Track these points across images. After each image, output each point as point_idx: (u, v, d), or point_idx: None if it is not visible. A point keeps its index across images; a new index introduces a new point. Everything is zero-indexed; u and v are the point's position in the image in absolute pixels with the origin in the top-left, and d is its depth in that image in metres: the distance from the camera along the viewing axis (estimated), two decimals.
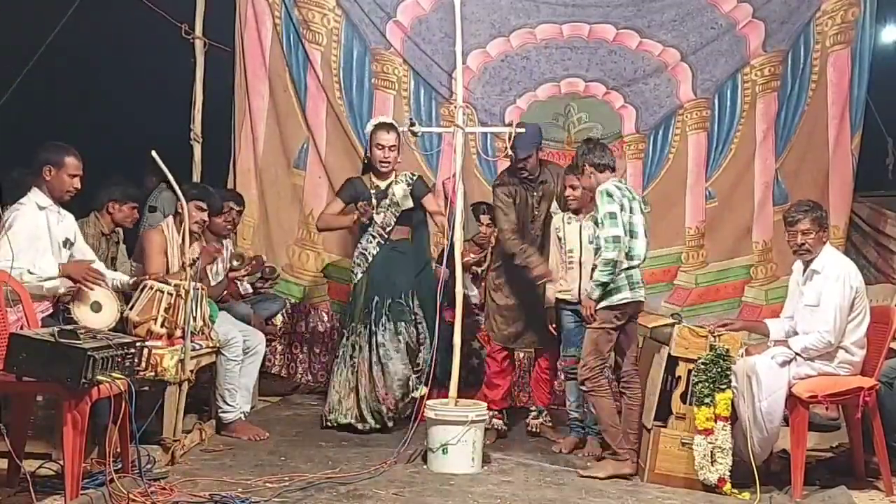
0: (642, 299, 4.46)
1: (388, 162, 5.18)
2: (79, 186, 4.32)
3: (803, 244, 4.23)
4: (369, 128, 5.27)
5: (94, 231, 4.96)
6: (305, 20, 6.13)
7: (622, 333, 4.44)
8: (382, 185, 5.21)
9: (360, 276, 5.20)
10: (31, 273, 4.03)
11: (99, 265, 4.56)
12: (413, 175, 5.32)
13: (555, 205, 5.13)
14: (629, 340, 4.49)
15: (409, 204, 5.19)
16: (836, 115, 6.05)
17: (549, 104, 6.24)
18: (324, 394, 6.04)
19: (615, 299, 4.31)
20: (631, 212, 4.37)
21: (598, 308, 4.34)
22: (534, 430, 5.19)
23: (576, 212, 4.90)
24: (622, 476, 4.23)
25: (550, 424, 5.24)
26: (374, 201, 5.15)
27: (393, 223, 5.20)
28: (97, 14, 5.97)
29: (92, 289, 4.18)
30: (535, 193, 5.11)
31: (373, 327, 5.10)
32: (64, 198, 4.28)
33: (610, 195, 4.32)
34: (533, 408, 5.31)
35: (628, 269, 4.35)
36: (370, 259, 5.20)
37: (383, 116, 5.64)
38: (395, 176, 5.24)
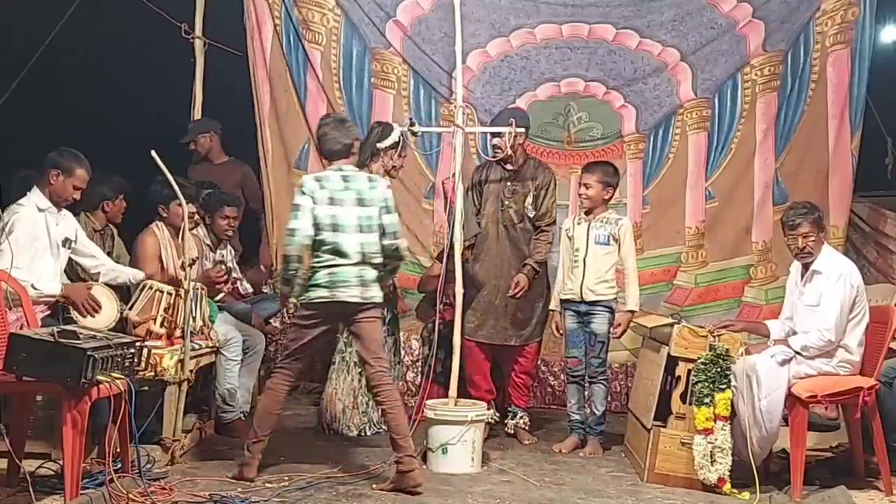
0: (350, 300, 4.00)
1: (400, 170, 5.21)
2: (78, 198, 4.33)
3: (804, 247, 4.23)
4: (400, 132, 5.01)
5: (87, 230, 4.96)
6: (305, 20, 6.13)
7: (354, 337, 4.18)
8: None
9: None
10: (34, 288, 4.04)
11: (106, 261, 4.57)
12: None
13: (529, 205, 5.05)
14: (363, 343, 4.09)
15: None
16: (835, 115, 6.04)
17: (549, 104, 6.24)
18: (322, 394, 6.06)
19: (309, 296, 4.03)
20: (332, 204, 4.02)
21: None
22: (509, 431, 5.10)
23: (587, 212, 4.89)
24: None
25: (525, 427, 5.10)
26: None
27: None
28: (97, 14, 5.96)
29: (85, 317, 4.16)
30: (507, 186, 5.04)
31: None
32: (61, 204, 4.30)
33: (301, 186, 4.07)
34: (510, 408, 5.16)
35: (332, 266, 4.01)
36: None
37: (398, 123, 5.26)
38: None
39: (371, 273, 4.08)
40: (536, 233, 5.07)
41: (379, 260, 4.10)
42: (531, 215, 5.07)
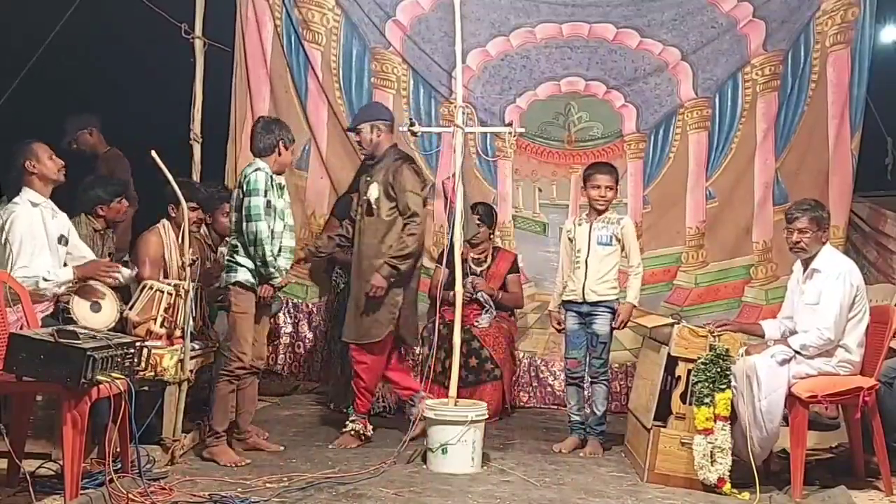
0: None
1: None
2: (63, 162, 4.33)
3: (798, 242, 4.25)
4: None
5: (87, 231, 4.96)
6: (305, 20, 6.13)
7: None
8: None
9: (342, 286, 5.60)
10: (46, 280, 4.05)
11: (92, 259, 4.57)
12: None
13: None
14: None
15: None
16: (835, 115, 6.05)
17: (549, 103, 6.25)
18: (323, 393, 6.08)
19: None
20: (246, 194, 4.43)
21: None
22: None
23: (600, 213, 4.88)
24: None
25: (356, 434, 4.78)
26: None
27: None
28: (97, 14, 5.96)
29: (108, 283, 4.25)
30: (366, 181, 4.89)
31: None
32: (60, 179, 4.30)
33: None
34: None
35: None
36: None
37: None
38: None
39: (230, 254, 4.47)
40: (402, 228, 4.74)
41: (235, 241, 4.44)
42: (376, 206, 4.76)
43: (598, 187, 4.81)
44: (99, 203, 5.02)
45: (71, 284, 4.16)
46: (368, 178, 4.86)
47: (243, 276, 4.40)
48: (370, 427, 4.84)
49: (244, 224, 4.37)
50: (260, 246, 4.35)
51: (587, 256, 4.81)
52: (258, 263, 4.39)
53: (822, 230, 4.26)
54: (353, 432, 4.79)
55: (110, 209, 5.08)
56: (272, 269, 4.41)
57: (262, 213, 4.35)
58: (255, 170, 4.42)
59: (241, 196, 4.42)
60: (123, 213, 5.28)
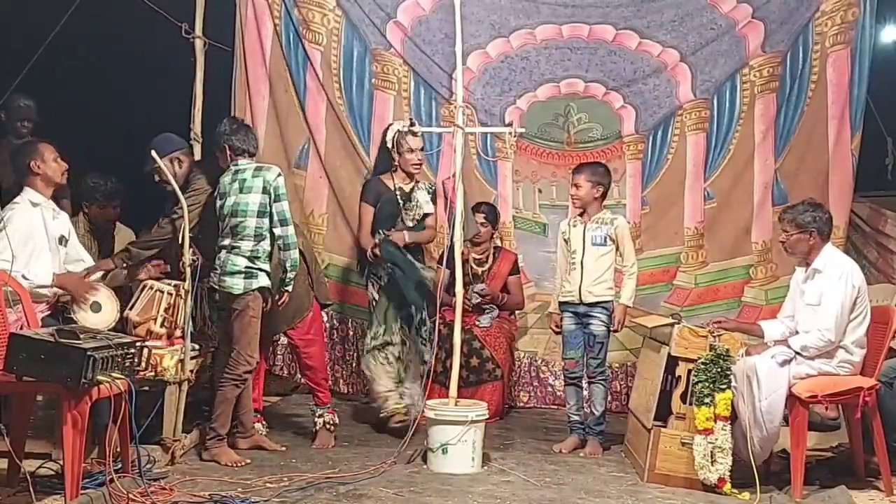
0: (212, 284, 4.46)
1: (420, 164, 5.22)
2: (66, 165, 4.35)
3: (783, 242, 4.34)
4: (394, 131, 5.15)
5: (84, 230, 4.96)
6: (305, 20, 6.13)
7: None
8: (406, 188, 5.19)
9: (385, 279, 5.11)
10: (25, 278, 4.03)
11: (89, 262, 4.57)
12: (432, 185, 5.41)
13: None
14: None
15: (431, 210, 5.22)
16: (835, 116, 6.04)
17: (548, 104, 6.25)
18: None
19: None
20: (276, 199, 4.40)
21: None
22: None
23: (581, 213, 4.89)
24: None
25: (330, 427, 4.84)
26: (399, 202, 5.13)
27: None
28: (97, 14, 5.96)
29: (82, 305, 4.18)
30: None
31: (414, 333, 5.10)
32: (62, 181, 4.33)
33: None
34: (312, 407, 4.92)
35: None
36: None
37: (400, 122, 5.34)
38: (416, 181, 5.24)
39: (234, 262, 4.34)
40: None
41: (249, 245, 4.33)
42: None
43: (573, 186, 4.87)
44: (83, 203, 5.03)
45: (49, 291, 4.15)
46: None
47: (264, 281, 4.40)
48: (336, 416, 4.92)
49: (280, 229, 4.39)
50: (295, 249, 4.40)
51: (582, 257, 4.82)
52: (288, 267, 4.39)
53: (804, 232, 4.23)
54: (328, 426, 4.81)
55: (90, 209, 5.06)
56: (293, 274, 4.44)
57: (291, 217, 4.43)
58: (279, 175, 4.45)
59: (270, 201, 4.39)
60: (112, 222, 5.21)
